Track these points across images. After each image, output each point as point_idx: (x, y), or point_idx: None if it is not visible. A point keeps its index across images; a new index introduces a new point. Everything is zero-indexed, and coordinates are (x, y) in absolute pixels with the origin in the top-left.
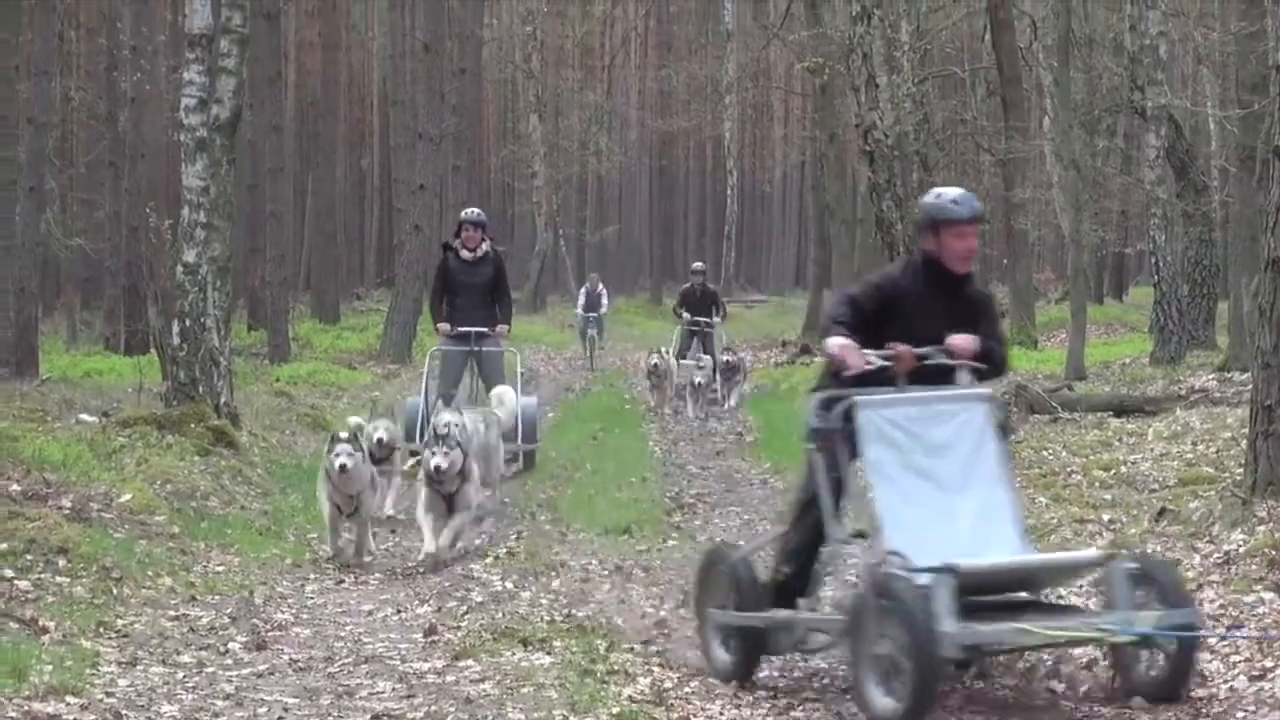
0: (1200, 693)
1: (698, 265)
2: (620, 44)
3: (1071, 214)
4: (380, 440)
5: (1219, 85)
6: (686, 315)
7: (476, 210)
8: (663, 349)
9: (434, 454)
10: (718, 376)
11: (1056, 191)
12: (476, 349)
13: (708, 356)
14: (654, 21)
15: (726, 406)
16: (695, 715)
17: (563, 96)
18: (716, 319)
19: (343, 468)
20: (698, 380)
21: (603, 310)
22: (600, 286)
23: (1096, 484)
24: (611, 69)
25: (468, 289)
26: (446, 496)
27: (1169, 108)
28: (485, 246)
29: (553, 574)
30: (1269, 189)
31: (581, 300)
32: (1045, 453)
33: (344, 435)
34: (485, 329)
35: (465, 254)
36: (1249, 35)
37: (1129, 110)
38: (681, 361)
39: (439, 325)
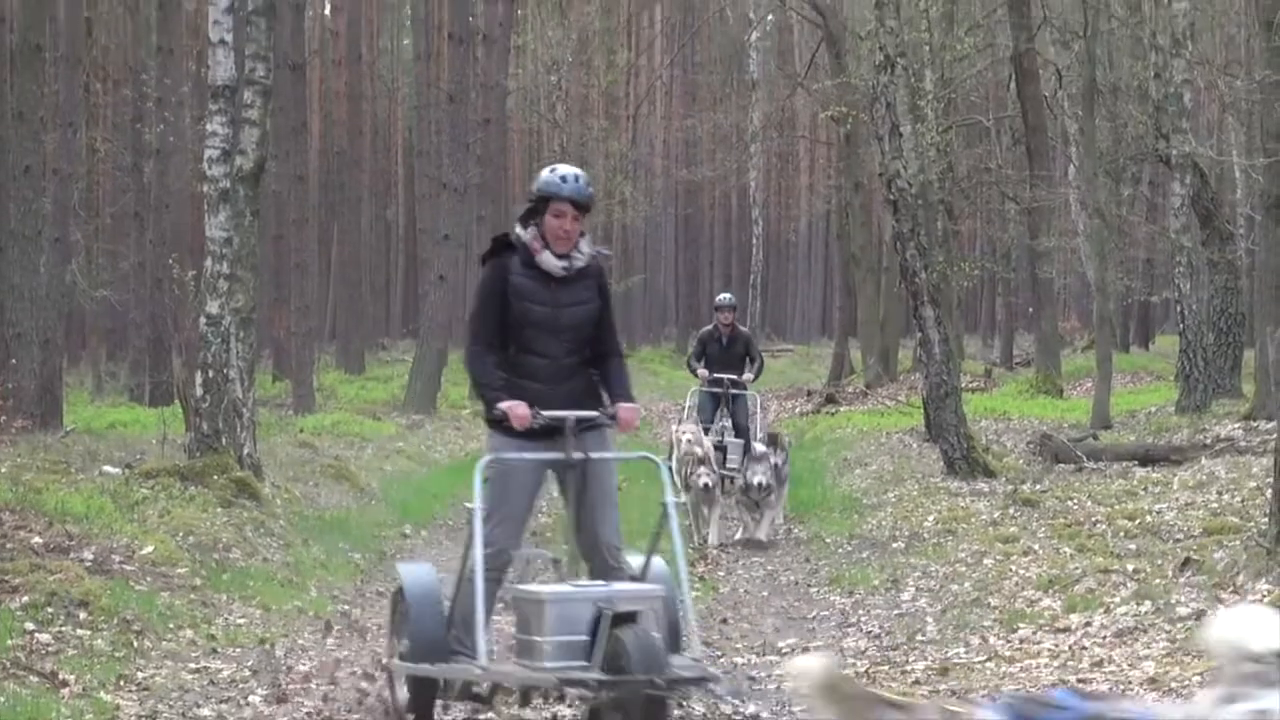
0: None
1: (724, 298)
2: (645, 93)
3: (1097, 262)
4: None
5: (1244, 133)
6: (705, 372)
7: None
8: (686, 426)
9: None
10: (750, 476)
11: (1082, 240)
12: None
13: (737, 439)
14: (679, 71)
15: (758, 535)
16: None
17: (588, 146)
18: (748, 375)
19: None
20: (758, 480)
21: None
22: None
23: (1121, 534)
24: (636, 118)
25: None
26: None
27: (1194, 156)
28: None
29: None
30: None
31: None
32: (1070, 502)
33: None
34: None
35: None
36: (1274, 83)
37: (1154, 158)
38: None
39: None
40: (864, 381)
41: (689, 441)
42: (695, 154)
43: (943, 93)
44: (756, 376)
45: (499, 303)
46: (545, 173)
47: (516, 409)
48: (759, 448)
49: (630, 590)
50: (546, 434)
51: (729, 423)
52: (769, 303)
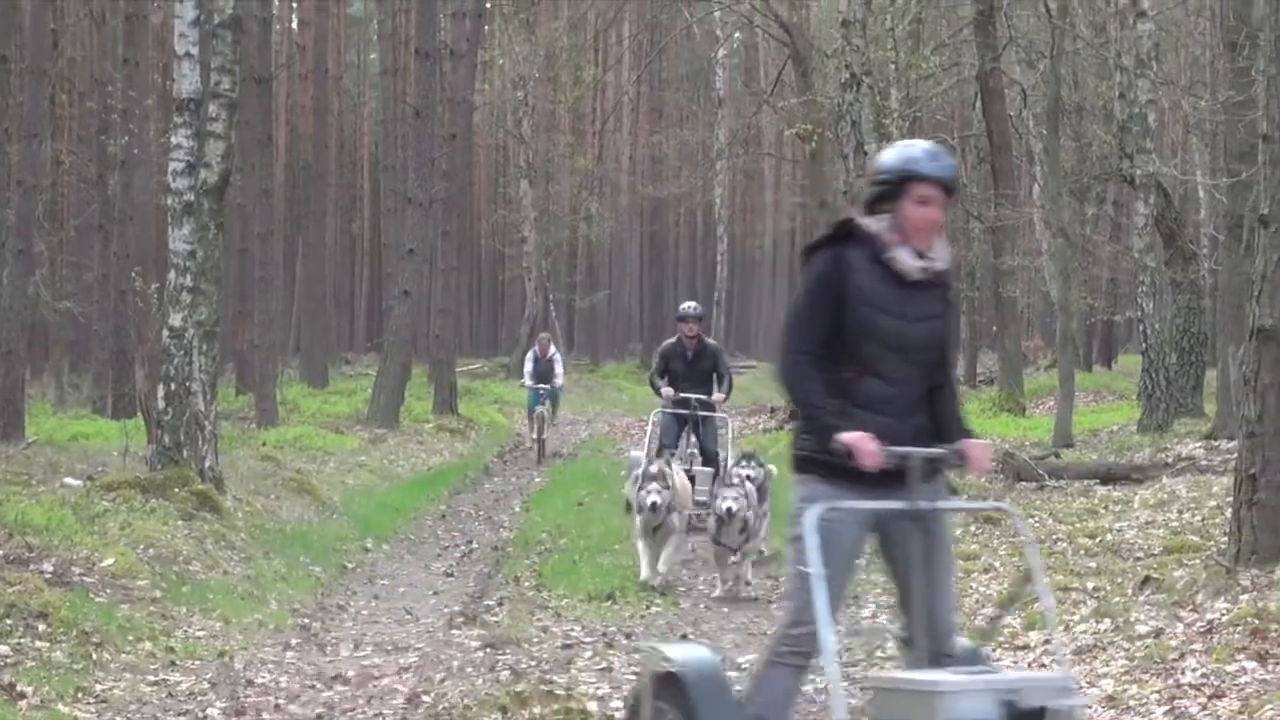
0: None
1: (688, 307)
2: (612, 109)
3: (1060, 281)
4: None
5: (1208, 154)
6: (670, 391)
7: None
8: (660, 455)
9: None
10: (720, 503)
11: (1045, 259)
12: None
13: (706, 468)
14: (645, 87)
15: (740, 586)
16: None
17: (554, 162)
18: (719, 394)
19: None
20: (728, 506)
21: (557, 381)
22: (554, 351)
23: (1082, 552)
24: (603, 134)
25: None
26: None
27: (1158, 176)
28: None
29: (534, 641)
30: (1256, 257)
31: (529, 368)
32: (1031, 520)
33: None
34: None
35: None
36: (1238, 104)
37: (1118, 178)
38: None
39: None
40: None
41: (649, 491)
42: (661, 170)
43: (908, 111)
44: (727, 396)
45: (833, 306)
46: (900, 148)
47: (864, 443)
48: (740, 472)
49: (1035, 680)
50: (879, 478)
51: (696, 449)
52: (734, 319)
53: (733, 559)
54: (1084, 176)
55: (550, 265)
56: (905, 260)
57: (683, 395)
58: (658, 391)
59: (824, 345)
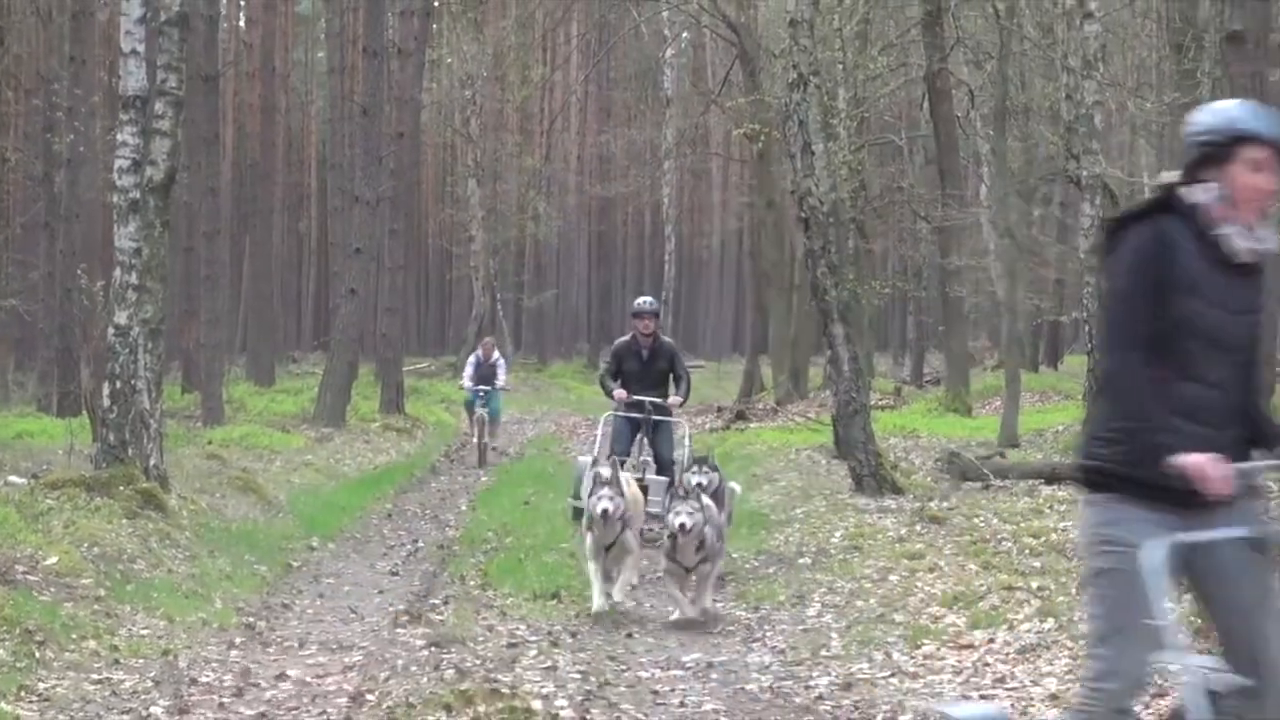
0: None
1: (644, 302)
2: (560, 109)
3: (1007, 282)
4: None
5: (1154, 155)
6: (622, 393)
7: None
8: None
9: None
10: (673, 518)
11: (992, 260)
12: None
13: (661, 476)
14: (593, 87)
15: (693, 611)
16: None
17: (501, 161)
18: (676, 396)
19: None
20: (681, 522)
21: (498, 384)
22: (496, 355)
23: (1026, 551)
24: (550, 134)
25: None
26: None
27: (1104, 177)
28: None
29: (479, 639)
30: None
31: (469, 371)
32: (976, 520)
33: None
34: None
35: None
36: (1183, 105)
37: (1065, 179)
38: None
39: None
40: (774, 398)
41: (601, 498)
42: (609, 170)
43: (856, 111)
44: (685, 399)
45: (1155, 293)
46: (1225, 106)
47: (1211, 468)
48: (690, 479)
49: None
50: (1200, 499)
51: (650, 456)
52: (681, 319)
53: (691, 579)
54: (1031, 177)
55: (498, 264)
56: (1236, 239)
57: (636, 398)
58: (609, 393)
59: (1150, 340)
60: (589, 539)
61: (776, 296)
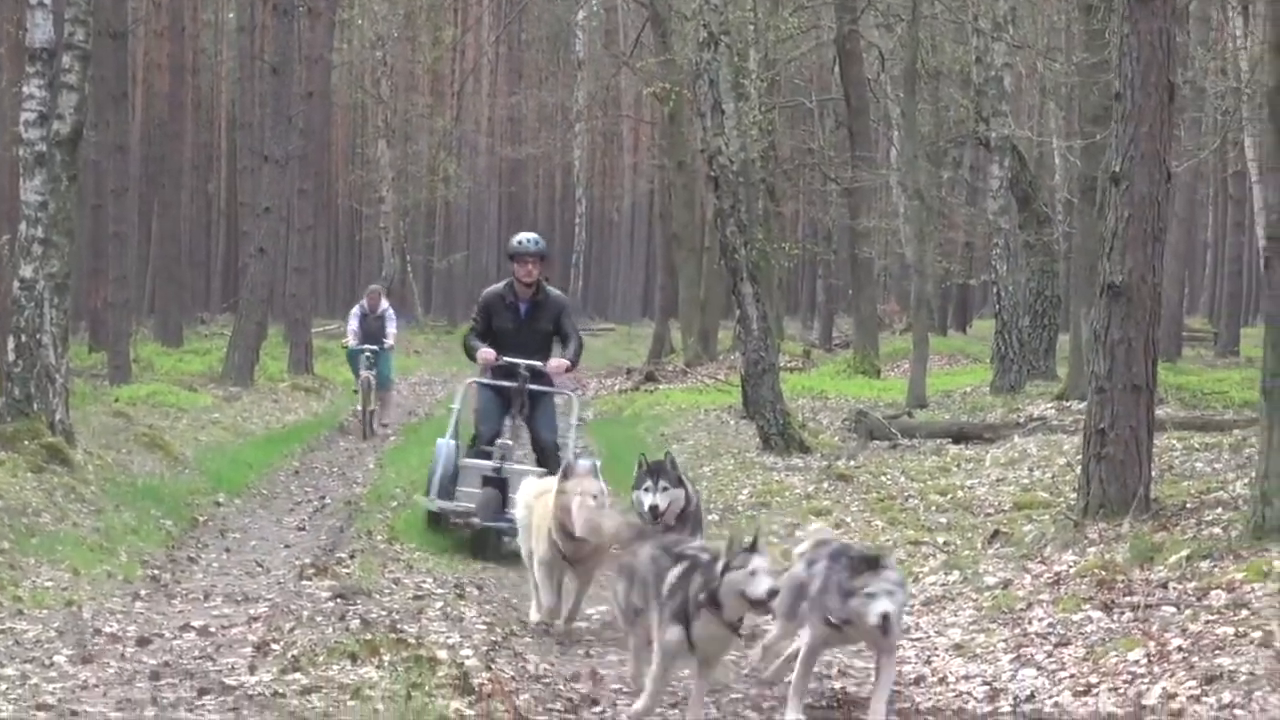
0: (1026, 708)
1: (526, 239)
2: (471, 70)
3: (916, 244)
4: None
5: (1063, 117)
6: (489, 353)
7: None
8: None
9: None
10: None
11: (901, 222)
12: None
13: (537, 467)
14: (505, 48)
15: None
16: None
17: (412, 122)
18: (560, 359)
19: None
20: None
21: (387, 342)
22: (385, 306)
23: (933, 508)
24: (462, 95)
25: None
26: None
27: (1013, 139)
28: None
29: (385, 591)
30: (1108, 215)
31: (353, 325)
32: (884, 478)
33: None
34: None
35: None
36: (1092, 66)
37: (974, 141)
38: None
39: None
40: (684, 360)
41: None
42: (520, 132)
43: (766, 74)
44: (574, 363)
45: None
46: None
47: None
48: (643, 499)
49: None
50: None
51: (531, 434)
52: (591, 282)
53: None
54: (940, 140)
55: (408, 226)
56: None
57: (508, 360)
58: (472, 355)
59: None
60: (541, 551)
61: (686, 259)
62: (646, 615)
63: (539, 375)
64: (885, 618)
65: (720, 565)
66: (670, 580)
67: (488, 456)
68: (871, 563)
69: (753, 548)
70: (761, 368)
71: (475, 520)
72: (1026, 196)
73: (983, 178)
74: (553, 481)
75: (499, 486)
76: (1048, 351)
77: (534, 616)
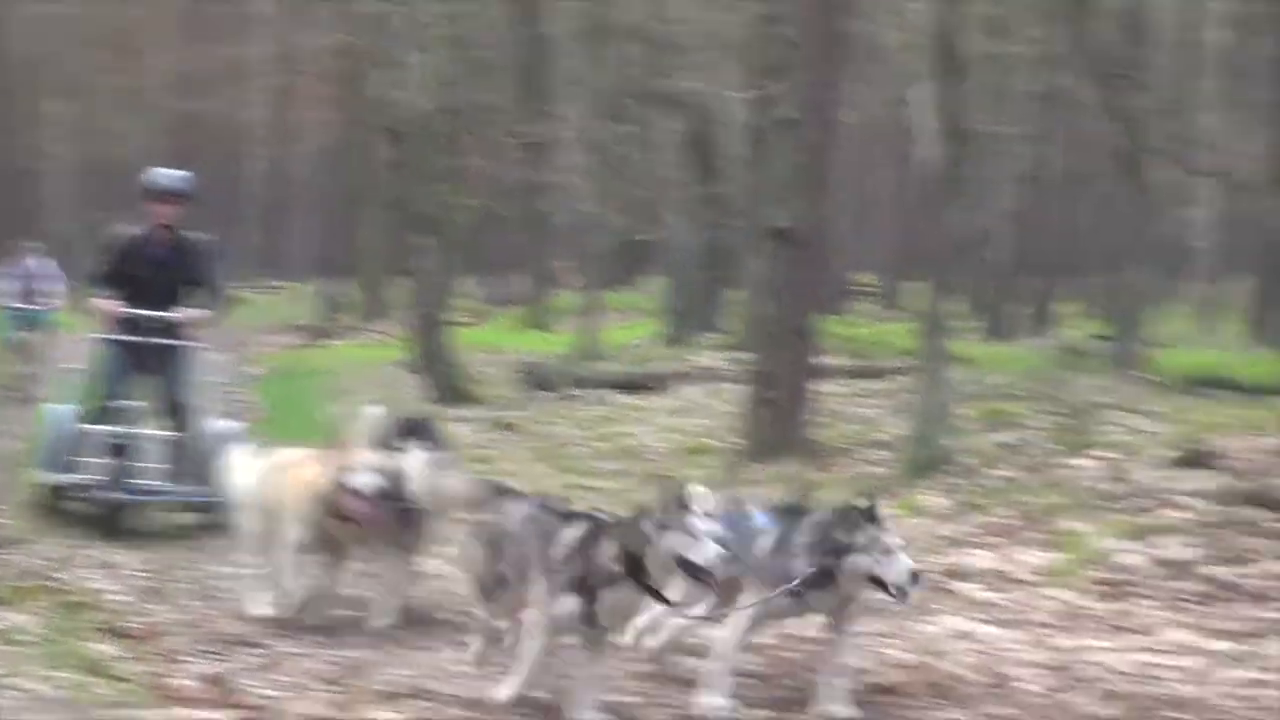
0: None
1: (164, 173)
2: (147, 24)
3: (593, 200)
4: None
5: (741, 72)
6: (109, 303)
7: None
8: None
9: None
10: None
11: (579, 178)
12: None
13: (172, 433)
14: (183, 2)
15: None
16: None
17: (86, 78)
18: (193, 310)
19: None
20: None
21: (55, 302)
22: (50, 266)
23: (600, 455)
24: (138, 51)
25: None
26: None
27: (691, 94)
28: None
29: (39, 539)
30: (776, 164)
31: (10, 286)
32: (552, 427)
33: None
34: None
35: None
36: (766, 18)
37: (653, 98)
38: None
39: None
40: (359, 316)
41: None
42: (198, 88)
43: (449, 29)
44: (215, 314)
45: None
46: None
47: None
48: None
49: None
50: None
51: (164, 404)
52: (269, 238)
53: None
54: (620, 95)
55: (80, 183)
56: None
57: (131, 312)
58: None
59: None
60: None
61: (364, 215)
62: (519, 586)
63: (165, 327)
64: (916, 576)
65: (650, 526)
66: (564, 544)
67: (114, 421)
68: (867, 514)
69: (682, 504)
70: (432, 321)
71: (99, 494)
72: (702, 150)
73: (660, 133)
74: (298, 452)
75: (126, 455)
76: (719, 304)
77: (262, 610)
